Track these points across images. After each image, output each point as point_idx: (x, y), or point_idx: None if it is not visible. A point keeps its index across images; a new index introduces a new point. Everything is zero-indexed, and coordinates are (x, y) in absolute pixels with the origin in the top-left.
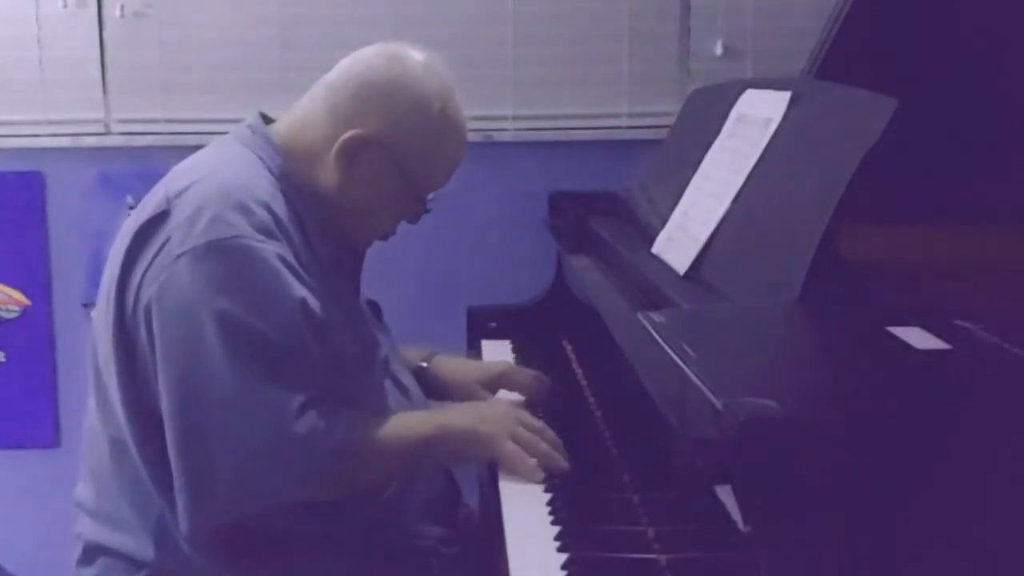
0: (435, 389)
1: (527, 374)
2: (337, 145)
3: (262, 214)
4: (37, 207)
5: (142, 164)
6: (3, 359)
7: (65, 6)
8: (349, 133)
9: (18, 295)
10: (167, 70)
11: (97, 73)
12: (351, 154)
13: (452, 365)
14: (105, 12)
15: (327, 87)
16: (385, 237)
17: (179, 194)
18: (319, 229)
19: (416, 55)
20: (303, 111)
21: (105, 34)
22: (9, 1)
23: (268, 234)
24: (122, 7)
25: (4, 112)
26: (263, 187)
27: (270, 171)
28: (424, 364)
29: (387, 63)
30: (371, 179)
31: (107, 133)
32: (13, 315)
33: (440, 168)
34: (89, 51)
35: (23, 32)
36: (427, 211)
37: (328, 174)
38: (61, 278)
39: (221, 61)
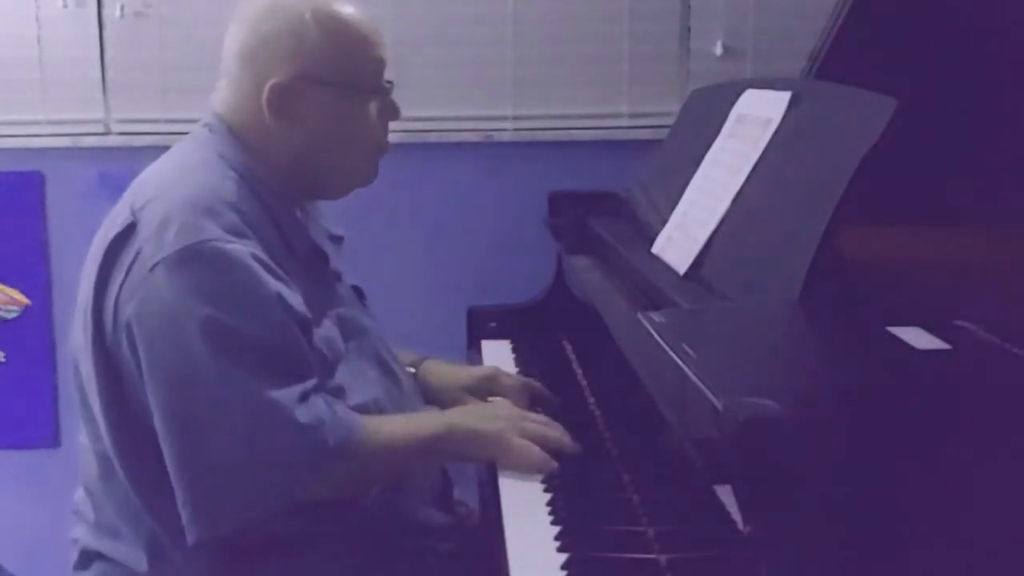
0: (424, 395)
1: (514, 378)
2: (266, 107)
3: (230, 215)
4: (37, 207)
5: (142, 164)
6: (3, 359)
7: (65, 6)
8: (265, 91)
9: (18, 295)
10: (167, 70)
11: (97, 73)
12: (281, 105)
13: (440, 371)
14: (105, 12)
15: (237, 59)
16: (382, 152)
17: (144, 205)
18: (290, 220)
19: None
20: (232, 94)
21: (105, 34)
22: (9, 1)
23: (238, 234)
24: (122, 7)
25: (4, 112)
26: (228, 188)
27: (233, 168)
28: (412, 370)
29: (259, 12)
30: (318, 112)
31: (107, 133)
32: (13, 315)
33: (363, 54)
34: (89, 51)
35: (23, 32)
36: (390, 95)
37: (281, 137)
38: (61, 278)
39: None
